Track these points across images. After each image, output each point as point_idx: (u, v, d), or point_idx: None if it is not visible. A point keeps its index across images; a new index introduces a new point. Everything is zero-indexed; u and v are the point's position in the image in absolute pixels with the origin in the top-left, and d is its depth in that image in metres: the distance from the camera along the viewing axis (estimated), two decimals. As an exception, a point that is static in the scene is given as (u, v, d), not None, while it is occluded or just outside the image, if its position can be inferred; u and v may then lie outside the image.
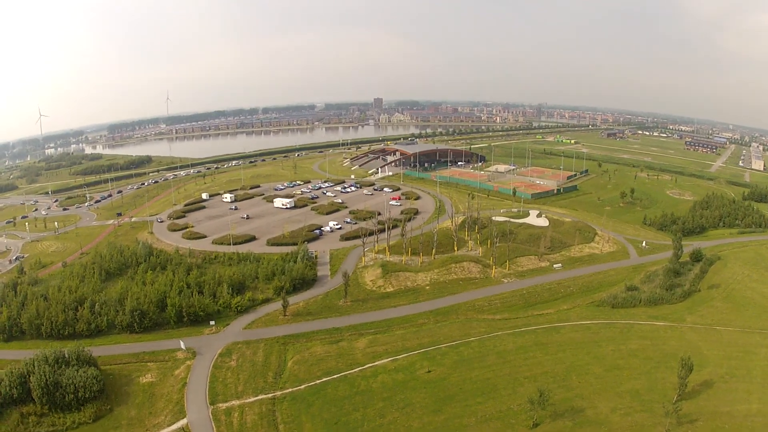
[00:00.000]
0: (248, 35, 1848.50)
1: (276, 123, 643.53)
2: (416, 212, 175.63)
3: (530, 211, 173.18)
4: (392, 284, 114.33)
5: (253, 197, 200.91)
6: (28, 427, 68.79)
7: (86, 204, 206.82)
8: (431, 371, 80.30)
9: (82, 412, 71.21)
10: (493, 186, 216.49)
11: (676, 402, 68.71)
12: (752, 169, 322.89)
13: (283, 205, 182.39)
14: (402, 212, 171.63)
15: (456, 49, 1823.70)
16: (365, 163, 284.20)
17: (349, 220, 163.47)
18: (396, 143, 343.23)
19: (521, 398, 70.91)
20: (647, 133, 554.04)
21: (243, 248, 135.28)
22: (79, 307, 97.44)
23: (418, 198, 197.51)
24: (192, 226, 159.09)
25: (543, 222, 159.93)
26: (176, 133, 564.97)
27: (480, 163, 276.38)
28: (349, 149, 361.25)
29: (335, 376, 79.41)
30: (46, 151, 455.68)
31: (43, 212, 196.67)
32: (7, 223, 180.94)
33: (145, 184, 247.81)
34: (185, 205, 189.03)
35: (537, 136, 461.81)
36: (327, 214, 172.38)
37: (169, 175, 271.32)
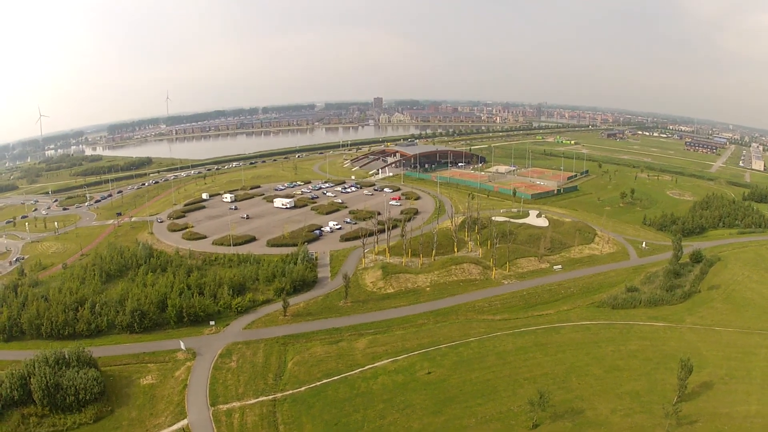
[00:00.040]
0: (248, 35, 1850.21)
1: (276, 123, 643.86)
2: (416, 212, 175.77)
3: (530, 212, 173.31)
4: (392, 286, 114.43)
5: (253, 197, 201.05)
6: (29, 428, 68.86)
7: (86, 204, 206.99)
8: (431, 372, 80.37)
9: (83, 414, 71.27)
10: (493, 186, 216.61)
11: (675, 403, 68.78)
12: (752, 170, 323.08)
13: (283, 205, 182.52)
14: (402, 212, 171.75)
15: (456, 49, 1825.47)
16: (365, 164, 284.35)
17: (349, 220, 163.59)
18: (396, 144, 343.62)
19: (521, 399, 71.00)
20: (647, 134, 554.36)
21: (243, 249, 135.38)
22: (79, 308, 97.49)
23: (418, 198, 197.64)
24: (192, 227, 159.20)
25: (543, 222, 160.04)
26: (176, 133, 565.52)
27: (480, 164, 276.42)
28: (349, 150, 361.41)
29: (335, 378, 79.48)
30: (46, 152, 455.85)
31: (43, 212, 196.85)
32: (7, 223, 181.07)
33: (145, 184, 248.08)
34: (185, 205, 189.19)
35: (537, 137, 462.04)
36: (327, 214, 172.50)
37: (170, 175, 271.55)
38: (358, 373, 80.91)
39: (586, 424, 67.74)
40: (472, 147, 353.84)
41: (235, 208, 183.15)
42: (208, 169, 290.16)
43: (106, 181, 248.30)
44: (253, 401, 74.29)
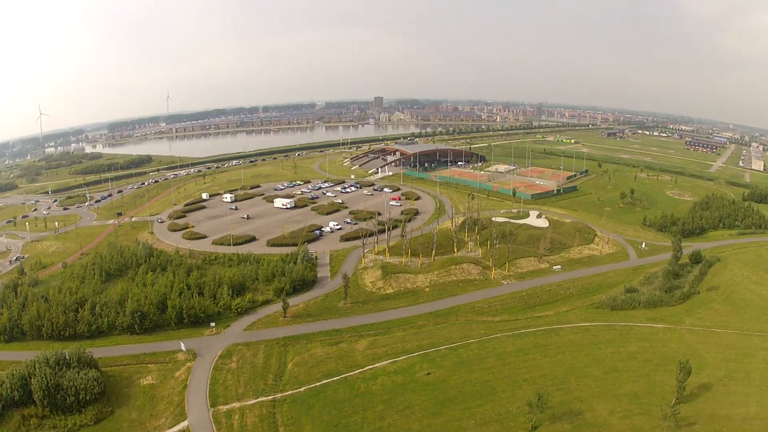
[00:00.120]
0: (248, 35, 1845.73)
1: (276, 122, 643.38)
2: (416, 213, 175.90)
3: (530, 212, 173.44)
4: (392, 286, 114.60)
5: (253, 197, 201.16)
6: (30, 429, 69.11)
7: (86, 204, 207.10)
8: (431, 373, 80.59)
9: (84, 414, 71.48)
10: (493, 186, 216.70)
11: (674, 405, 69.00)
12: (752, 170, 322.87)
13: (283, 205, 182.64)
14: (402, 212, 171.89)
15: (456, 49, 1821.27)
16: (365, 163, 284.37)
17: (349, 220, 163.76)
18: (396, 143, 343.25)
19: (520, 401, 71.22)
20: (647, 133, 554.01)
21: (243, 249, 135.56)
22: (79, 309, 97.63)
23: (418, 198, 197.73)
24: (192, 226, 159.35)
25: (543, 223, 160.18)
26: (176, 131, 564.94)
27: (480, 163, 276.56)
28: (349, 149, 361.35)
29: (335, 378, 79.70)
30: (46, 150, 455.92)
31: (44, 212, 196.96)
32: (7, 222, 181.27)
33: (145, 183, 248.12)
34: (185, 205, 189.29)
35: (537, 136, 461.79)
36: (327, 214, 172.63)
37: (170, 174, 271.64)
38: (357, 374, 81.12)
39: (585, 425, 67.96)
40: (472, 146, 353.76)
41: (236, 208, 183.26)
42: (208, 168, 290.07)
43: (106, 180, 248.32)
44: (253, 402, 74.51)
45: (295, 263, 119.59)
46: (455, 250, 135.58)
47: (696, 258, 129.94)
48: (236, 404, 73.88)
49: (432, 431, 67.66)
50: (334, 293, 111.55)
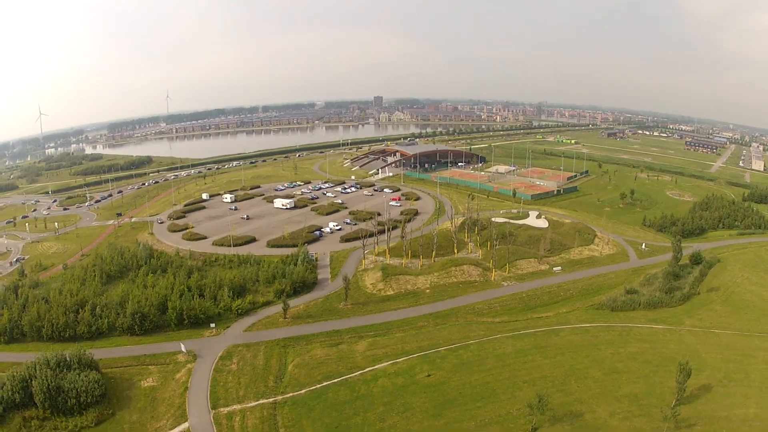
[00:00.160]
0: (248, 35, 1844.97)
1: (276, 122, 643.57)
2: (416, 213, 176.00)
3: (530, 213, 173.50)
4: (392, 287, 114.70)
5: (253, 198, 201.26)
6: (31, 431, 69.18)
7: (86, 204, 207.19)
8: (431, 375, 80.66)
9: (85, 417, 71.48)
10: (493, 187, 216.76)
11: (674, 406, 69.19)
12: (752, 170, 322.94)
13: (283, 205, 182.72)
14: (402, 213, 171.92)
15: (456, 49, 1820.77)
16: (365, 163, 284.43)
17: (349, 220, 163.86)
18: (396, 143, 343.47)
19: (520, 402, 71.29)
20: (647, 133, 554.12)
21: (243, 250, 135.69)
22: (80, 310, 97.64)
23: (418, 199, 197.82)
24: (192, 227, 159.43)
25: (543, 223, 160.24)
26: (176, 132, 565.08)
27: (480, 164, 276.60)
28: (349, 150, 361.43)
29: (336, 380, 79.76)
30: (47, 150, 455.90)
31: (44, 212, 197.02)
32: (7, 223, 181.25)
33: (146, 184, 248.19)
34: (185, 206, 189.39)
35: (537, 136, 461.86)
36: (327, 214, 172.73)
37: (170, 175, 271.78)
38: (358, 375, 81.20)
39: (585, 427, 68.08)
40: (472, 146, 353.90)
41: (235, 209, 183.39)
42: (209, 169, 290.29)
43: (106, 181, 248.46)
44: (253, 404, 74.57)
45: (295, 265, 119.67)
46: (455, 250, 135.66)
47: (696, 259, 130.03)
48: (237, 406, 73.96)
49: (432, 433, 67.78)
50: (334, 295, 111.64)
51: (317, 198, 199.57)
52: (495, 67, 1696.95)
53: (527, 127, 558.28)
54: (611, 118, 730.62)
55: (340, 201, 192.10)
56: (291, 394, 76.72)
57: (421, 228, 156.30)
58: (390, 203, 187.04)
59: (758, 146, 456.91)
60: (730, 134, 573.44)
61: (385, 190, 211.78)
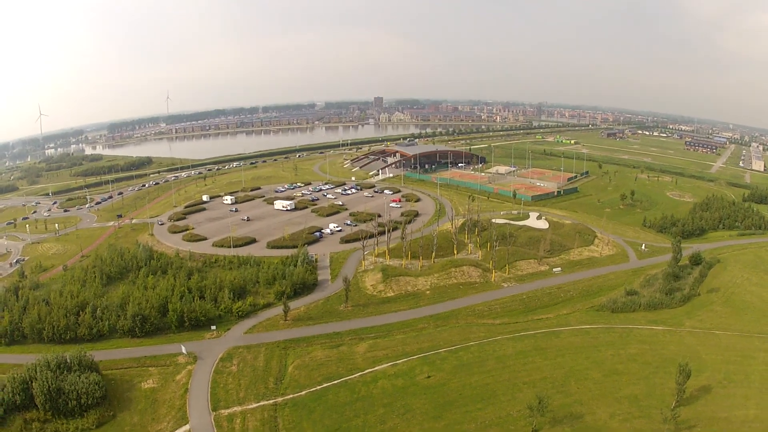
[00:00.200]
0: (248, 35, 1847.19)
1: (276, 122, 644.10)
2: (416, 214, 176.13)
3: (530, 213, 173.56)
4: (392, 289, 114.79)
5: (253, 199, 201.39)
6: (31, 433, 69.34)
7: (87, 205, 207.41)
8: (431, 376, 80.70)
9: (85, 419, 71.59)
10: (494, 188, 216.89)
11: (674, 408, 69.36)
12: (752, 170, 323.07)
13: (283, 207, 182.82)
14: (402, 214, 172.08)
15: (456, 49, 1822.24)
16: (366, 164, 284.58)
17: (349, 222, 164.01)
18: (396, 144, 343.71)
19: (520, 404, 71.32)
20: (647, 133, 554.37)
21: (243, 251, 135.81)
22: (80, 312, 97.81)
23: (418, 200, 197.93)
24: (192, 228, 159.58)
25: (543, 224, 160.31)
26: (176, 132, 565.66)
27: (480, 165, 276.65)
28: (350, 150, 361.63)
29: (336, 382, 79.84)
30: (47, 151, 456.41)
31: (44, 213, 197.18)
32: (7, 224, 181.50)
33: (146, 185, 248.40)
34: (185, 207, 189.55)
35: (537, 137, 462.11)
36: (327, 216, 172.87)
37: (170, 176, 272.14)
38: (358, 377, 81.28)
39: (585, 428, 68.08)
40: (472, 146, 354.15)
41: (236, 210, 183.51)
42: (209, 170, 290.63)
43: (107, 182, 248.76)
44: (254, 406, 74.65)
45: (295, 266, 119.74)
46: (455, 252, 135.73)
47: (696, 259, 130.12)
48: (237, 408, 74.04)
49: (432, 435, 67.83)
50: (334, 296, 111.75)
51: (318, 199, 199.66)
52: (495, 67, 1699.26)
53: (527, 128, 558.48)
54: (611, 118, 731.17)
55: (340, 202, 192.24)
56: (291, 396, 76.81)
57: (422, 229, 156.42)
58: (390, 204, 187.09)
59: (758, 146, 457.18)
60: (730, 134, 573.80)
61: (385, 191, 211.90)
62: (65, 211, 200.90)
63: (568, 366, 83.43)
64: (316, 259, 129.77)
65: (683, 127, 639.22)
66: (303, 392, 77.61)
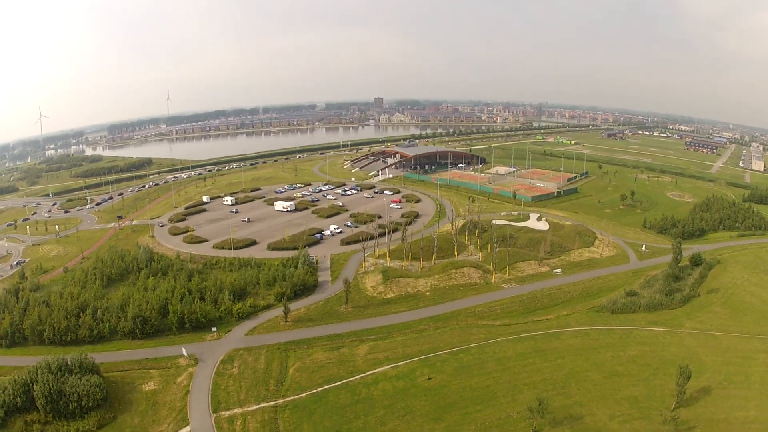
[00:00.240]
0: (248, 35, 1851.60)
1: (276, 123, 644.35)
2: (417, 215, 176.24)
3: (530, 215, 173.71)
4: (393, 290, 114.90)
5: (253, 200, 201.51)
6: (32, 435, 69.43)
7: (87, 207, 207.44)
8: (431, 378, 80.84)
9: (86, 421, 71.68)
10: (494, 189, 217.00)
11: (674, 409, 69.59)
12: (752, 170, 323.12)
13: (283, 208, 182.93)
14: (402, 215, 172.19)
15: (456, 49, 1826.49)
16: (366, 165, 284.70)
17: (349, 223, 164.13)
18: (396, 144, 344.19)
19: (520, 406, 71.47)
20: (647, 133, 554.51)
21: (244, 253, 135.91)
22: (81, 314, 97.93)
23: (418, 201, 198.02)
24: (193, 230, 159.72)
25: (543, 225, 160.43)
26: (176, 133, 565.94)
27: (480, 165, 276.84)
28: (350, 151, 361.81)
29: (336, 384, 79.97)
30: (47, 152, 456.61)
31: (45, 215, 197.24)
32: (8, 225, 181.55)
33: (146, 186, 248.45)
34: (186, 208, 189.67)
35: (537, 137, 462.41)
36: (328, 217, 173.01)
37: (170, 177, 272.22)
38: (358, 379, 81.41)
39: (585, 430, 68.18)
40: (473, 147, 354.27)
41: (236, 211, 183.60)
42: (209, 170, 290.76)
43: (107, 183, 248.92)
44: (254, 407, 74.77)
45: (295, 268, 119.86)
46: (455, 253, 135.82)
47: (696, 260, 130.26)
48: (238, 410, 74.16)
49: (433, 437, 67.94)
50: (335, 298, 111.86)
51: (318, 200, 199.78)
52: (495, 67, 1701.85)
53: (527, 128, 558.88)
54: (611, 118, 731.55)
55: (340, 203, 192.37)
56: (292, 398, 76.92)
57: (422, 230, 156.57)
58: (390, 206, 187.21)
59: (758, 146, 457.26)
60: (730, 134, 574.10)
61: (385, 192, 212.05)
62: (65, 212, 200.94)
63: (568, 367, 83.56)
64: (316, 261, 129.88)
65: (683, 127, 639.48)
66: (303, 394, 77.74)
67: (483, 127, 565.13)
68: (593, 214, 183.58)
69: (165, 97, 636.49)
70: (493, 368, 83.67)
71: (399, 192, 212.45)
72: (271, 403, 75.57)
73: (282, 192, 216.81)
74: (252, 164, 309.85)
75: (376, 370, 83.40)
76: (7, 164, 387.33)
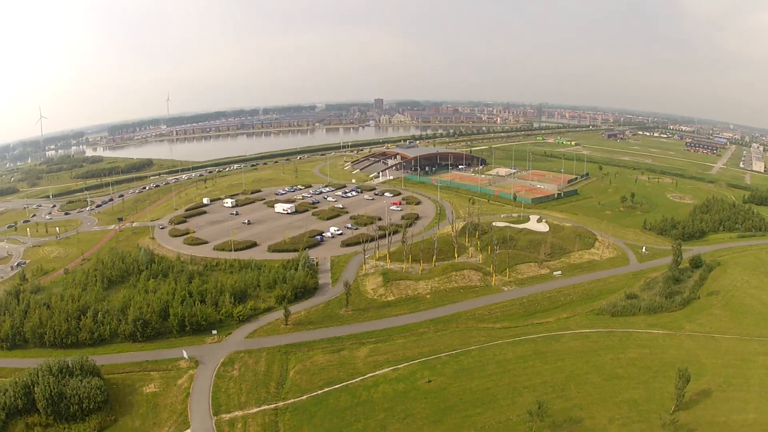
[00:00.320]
0: (248, 35, 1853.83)
1: (276, 124, 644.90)
2: (417, 217, 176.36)
3: (530, 216, 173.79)
4: (393, 293, 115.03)
5: (254, 202, 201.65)
6: (33, 438, 69.63)
7: (87, 208, 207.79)
8: (431, 381, 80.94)
9: (87, 423, 72.02)
10: (494, 190, 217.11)
11: (673, 412, 69.54)
12: (753, 171, 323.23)
13: (284, 210, 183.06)
14: (403, 217, 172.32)
15: (456, 49, 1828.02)
16: (366, 166, 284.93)
17: (350, 225, 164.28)
18: (397, 146, 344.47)
19: (520, 409, 71.54)
20: (648, 134, 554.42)
21: (244, 255, 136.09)
22: (81, 316, 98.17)
23: (418, 203, 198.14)
24: (193, 232, 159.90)
25: (543, 227, 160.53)
26: (177, 134, 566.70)
27: (480, 167, 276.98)
28: (350, 152, 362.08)
29: (337, 386, 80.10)
30: (47, 153, 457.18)
31: (45, 216, 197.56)
32: (8, 227, 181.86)
33: (146, 188, 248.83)
34: (186, 210, 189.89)
35: (537, 138, 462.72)
36: (328, 219, 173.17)
37: (170, 178, 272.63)
38: (359, 381, 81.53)
39: (585, 433, 68.34)
40: (473, 148, 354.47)
41: (236, 213, 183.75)
42: (209, 172, 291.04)
43: (107, 185, 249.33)
44: (255, 410, 74.94)
45: (296, 270, 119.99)
46: (456, 255, 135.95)
47: (696, 262, 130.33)
48: (239, 413, 74.33)
49: (433, 439, 68.09)
50: (335, 300, 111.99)
51: (318, 202, 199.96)
52: (495, 67, 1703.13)
53: (527, 129, 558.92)
54: (611, 119, 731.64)
55: (340, 205, 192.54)
56: (292, 401, 77.07)
57: (422, 232, 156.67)
58: (391, 207, 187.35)
59: (758, 147, 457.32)
60: (731, 134, 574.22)
61: (385, 194, 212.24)
62: (66, 214, 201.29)
63: (568, 370, 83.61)
64: (317, 263, 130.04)
65: (684, 128, 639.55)
66: (304, 397, 77.89)
67: (483, 128, 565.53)
68: (593, 215, 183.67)
69: (165, 98, 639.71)
70: (493, 371, 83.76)
71: (399, 194, 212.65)
72: (272, 406, 75.73)
73: (282, 194, 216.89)
74: (252, 165, 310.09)
75: (377, 373, 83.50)
76: (7, 165, 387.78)
